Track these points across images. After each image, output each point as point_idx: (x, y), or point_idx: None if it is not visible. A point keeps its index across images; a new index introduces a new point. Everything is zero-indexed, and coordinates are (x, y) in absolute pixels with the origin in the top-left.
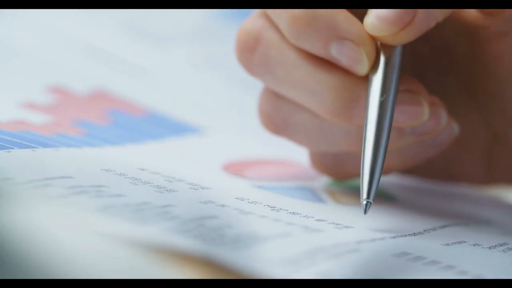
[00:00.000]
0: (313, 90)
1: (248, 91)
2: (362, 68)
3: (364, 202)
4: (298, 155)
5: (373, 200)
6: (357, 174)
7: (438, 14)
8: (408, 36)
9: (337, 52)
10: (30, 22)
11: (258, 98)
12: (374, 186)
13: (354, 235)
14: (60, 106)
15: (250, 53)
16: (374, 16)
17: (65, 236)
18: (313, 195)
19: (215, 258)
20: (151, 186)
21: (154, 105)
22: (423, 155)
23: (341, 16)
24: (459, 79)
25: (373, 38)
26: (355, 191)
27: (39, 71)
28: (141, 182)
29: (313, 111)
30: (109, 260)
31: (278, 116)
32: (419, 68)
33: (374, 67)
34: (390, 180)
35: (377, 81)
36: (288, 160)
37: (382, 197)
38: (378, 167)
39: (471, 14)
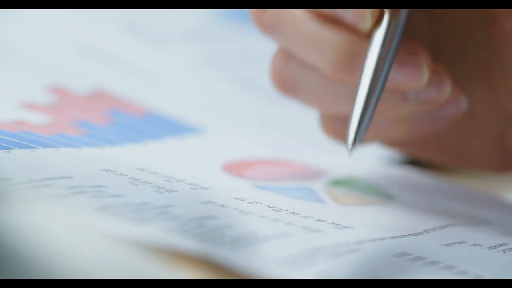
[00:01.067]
0: (318, 46)
1: (248, 91)
2: (365, 25)
3: (350, 146)
4: (298, 155)
5: (358, 143)
6: (366, 139)
7: None
8: None
9: (342, 8)
10: (29, 22)
11: (270, 60)
12: (362, 130)
13: (354, 235)
14: (59, 106)
15: (261, 12)
16: None
17: (65, 236)
18: (313, 195)
19: (215, 258)
20: (151, 186)
21: (154, 105)
22: (431, 126)
23: None
24: (474, 62)
25: None
26: (355, 191)
27: (38, 71)
28: (141, 182)
29: (319, 68)
30: (109, 260)
31: (288, 75)
32: (434, 50)
33: (377, 25)
34: (390, 180)
35: (378, 36)
36: (288, 160)
37: (382, 197)
38: (368, 113)
39: None
